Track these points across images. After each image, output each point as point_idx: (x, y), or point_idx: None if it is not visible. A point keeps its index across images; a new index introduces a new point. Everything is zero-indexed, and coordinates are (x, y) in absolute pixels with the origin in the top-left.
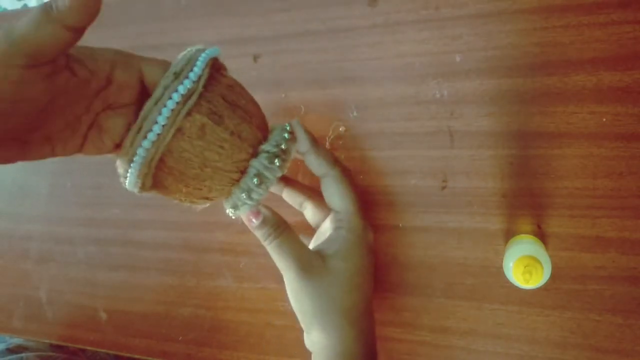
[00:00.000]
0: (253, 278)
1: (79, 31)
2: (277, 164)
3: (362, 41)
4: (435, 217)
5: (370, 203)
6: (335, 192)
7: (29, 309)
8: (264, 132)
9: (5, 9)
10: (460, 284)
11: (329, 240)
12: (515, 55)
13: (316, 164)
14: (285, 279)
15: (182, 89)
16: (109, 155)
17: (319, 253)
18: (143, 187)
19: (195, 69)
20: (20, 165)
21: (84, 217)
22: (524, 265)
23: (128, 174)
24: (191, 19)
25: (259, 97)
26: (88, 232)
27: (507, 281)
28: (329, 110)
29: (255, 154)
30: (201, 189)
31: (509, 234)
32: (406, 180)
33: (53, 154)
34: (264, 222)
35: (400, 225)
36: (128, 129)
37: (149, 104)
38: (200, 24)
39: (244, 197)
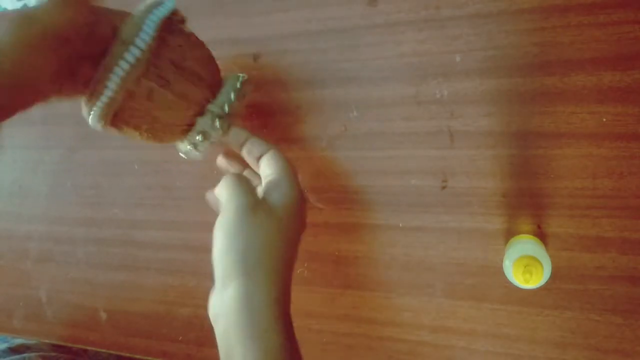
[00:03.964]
0: None
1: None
2: (218, 124)
3: (362, 41)
4: (435, 217)
5: (370, 203)
6: (277, 161)
7: (29, 309)
8: (214, 87)
9: (5, 9)
10: (460, 284)
11: (267, 192)
12: (515, 55)
13: (258, 144)
14: (223, 217)
15: (129, 58)
16: (110, 156)
17: (264, 198)
18: (104, 126)
19: (142, 34)
20: (20, 165)
21: (84, 217)
22: (524, 265)
23: (90, 117)
24: (191, 19)
25: (259, 97)
26: (88, 232)
27: (507, 281)
28: (329, 110)
29: (202, 111)
30: (154, 136)
31: (509, 234)
32: (406, 180)
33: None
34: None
35: (400, 225)
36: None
37: (100, 72)
38: (200, 24)
39: (191, 148)
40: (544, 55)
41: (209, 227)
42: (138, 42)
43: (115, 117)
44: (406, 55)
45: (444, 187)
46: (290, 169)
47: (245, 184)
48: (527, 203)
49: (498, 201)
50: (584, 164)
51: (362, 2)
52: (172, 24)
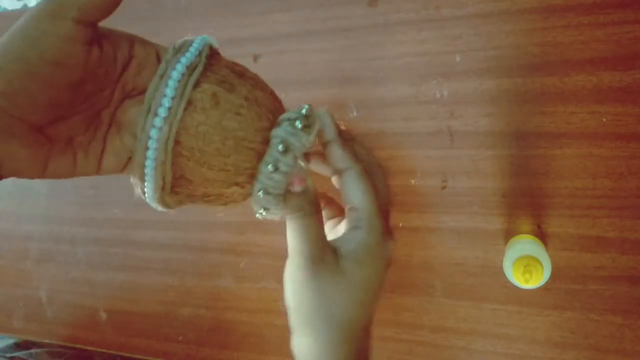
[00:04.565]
0: (253, 278)
1: None
2: (301, 126)
3: (362, 41)
4: (435, 217)
5: None
6: (356, 188)
7: (29, 309)
8: (279, 104)
9: (5, 9)
10: (460, 284)
11: (343, 238)
12: (515, 55)
13: (339, 156)
14: (290, 265)
15: (185, 60)
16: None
17: (334, 249)
18: (164, 187)
19: (195, 44)
20: None
21: (84, 217)
22: (524, 265)
23: (146, 167)
24: (191, 19)
25: None
26: (88, 232)
27: (507, 281)
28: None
29: (275, 124)
30: (227, 170)
31: (509, 234)
32: (406, 180)
33: (74, 165)
34: (305, 193)
35: (400, 225)
36: None
37: (153, 81)
38: (200, 24)
39: (271, 169)
40: (544, 56)
41: (209, 227)
42: (191, 49)
43: (178, 145)
44: (406, 55)
45: (444, 187)
46: (374, 204)
47: (313, 235)
48: (527, 203)
49: (498, 201)
50: (584, 164)
51: (362, 2)
52: (217, 52)
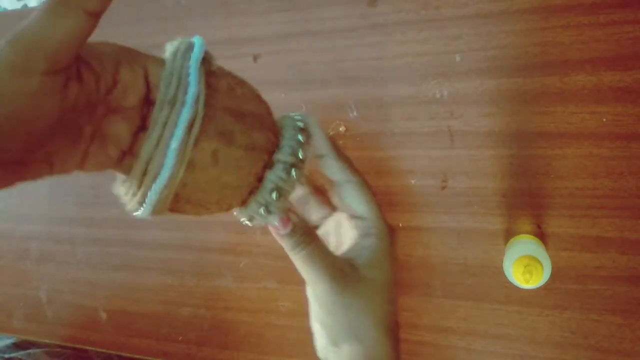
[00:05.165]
0: (253, 278)
1: (99, 15)
2: (295, 175)
3: (362, 41)
4: (435, 217)
5: None
6: (359, 198)
7: (29, 309)
8: (275, 130)
9: (5, 9)
10: (460, 284)
11: (356, 248)
12: (515, 55)
13: (336, 169)
14: (314, 291)
15: (183, 122)
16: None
17: (349, 262)
18: (160, 214)
19: (191, 88)
20: None
21: (84, 217)
22: (524, 265)
23: (143, 209)
24: (191, 19)
25: None
26: (88, 232)
27: (507, 281)
28: (329, 110)
29: (270, 161)
30: (222, 207)
31: (509, 234)
32: (406, 180)
33: (50, 173)
34: (294, 231)
35: (400, 225)
36: (134, 134)
37: (148, 144)
38: (200, 24)
39: (263, 211)
40: (544, 55)
41: (208, 227)
42: (188, 99)
43: (177, 197)
44: (406, 55)
45: (444, 187)
46: (378, 210)
47: (322, 259)
48: (527, 203)
49: (498, 201)
50: (584, 164)
51: (362, 2)
52: (210, 65)
